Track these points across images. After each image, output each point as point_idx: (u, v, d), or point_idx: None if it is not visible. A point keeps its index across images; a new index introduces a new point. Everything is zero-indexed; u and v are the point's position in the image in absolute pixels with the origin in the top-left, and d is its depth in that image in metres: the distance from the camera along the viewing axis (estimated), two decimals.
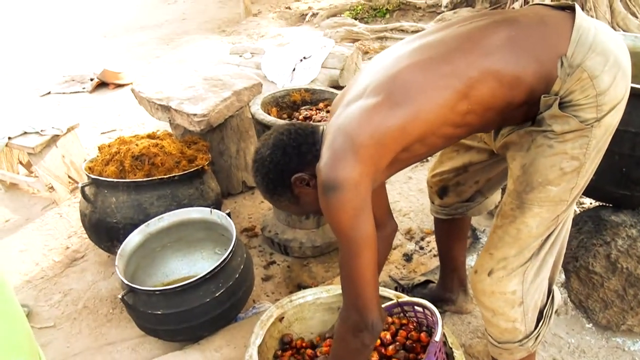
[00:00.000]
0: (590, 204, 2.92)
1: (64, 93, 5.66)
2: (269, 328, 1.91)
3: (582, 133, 1.37)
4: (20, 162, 3.82)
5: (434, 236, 2.53)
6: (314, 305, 2.06)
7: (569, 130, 1.37)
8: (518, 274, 1.57)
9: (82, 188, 2.58)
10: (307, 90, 3.00)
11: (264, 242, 3.04)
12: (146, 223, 2.41)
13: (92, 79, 5.80)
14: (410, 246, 2.91)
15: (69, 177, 3.61)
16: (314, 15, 7.79)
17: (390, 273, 2.68)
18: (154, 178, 2.53)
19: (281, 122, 2.54)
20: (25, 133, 3.42)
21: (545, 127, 1.40)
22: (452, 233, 2.16)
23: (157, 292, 2.08)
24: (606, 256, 2.09)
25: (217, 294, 2.11)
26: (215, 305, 2.13)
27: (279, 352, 1.96)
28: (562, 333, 2.25)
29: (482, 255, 1.65)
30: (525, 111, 1.43)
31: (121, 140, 2.77)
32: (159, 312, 2.07)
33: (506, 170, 1.63)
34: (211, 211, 2.44)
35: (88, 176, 2.58)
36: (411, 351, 1.84)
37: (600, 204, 2.27)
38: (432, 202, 2.09)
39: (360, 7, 7.81)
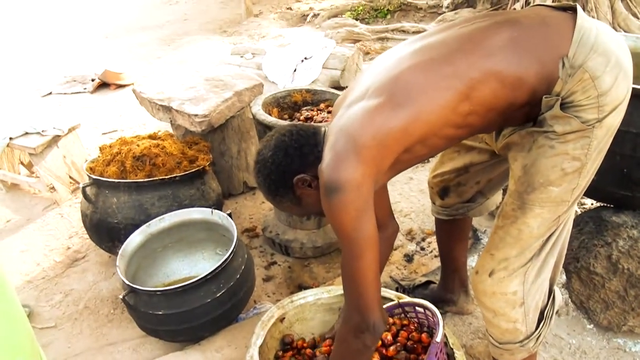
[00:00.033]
0: (592, 204, 2.92)
1: (65, 93, 5.67)
2: (270, 328, 1.91)
3: (584, 134, 1.37)
4: (22, 163, 3.82)
5: (435, 237, 2.52)
6: (315, 305, 2.06)
7: (570, 131, 1.37)
8: (519, 275, 1.57)
9: (83, 188, 2.58)
10: (308, 90, 3.00)
11: (265, 242, 3.04)
12: (147, 223, 2.41)
13: (93, 80, 5.81)
14: (411, 247, 2.91)
15: (70, 177, 3.61)
16: (315, 15, 7.79)
17: (391, 274, 2.68)
18: (155, 178, 2.53)
19: (282, 122, 2.54)
20: (27, 133, 3.42)
21: (546, 128, 1.40)
22: (453, 234, 2.16)
23: (158, 293, 2.08)
24: (607, 257, 2.08)
25: (218, 295, 2.11)
26: (216, 305, 2.13)
27: (280, 353, 1.96)
28: (563, 334, 2.25)
29: (483, 255, 1.65)
30: (526, 112, 1.43)
31: (122, 141, 2.77)
32: (160, 313, 2.07)
33: (507, 171, 1.63)
34: (212, 212, 2.44)
35: (89, 176, 2.59)
36: (412, 352, 1.84)
37: (602, 204, 2.26)
38: (433, 203, 2.09)
39: (361, 7, 7.82)
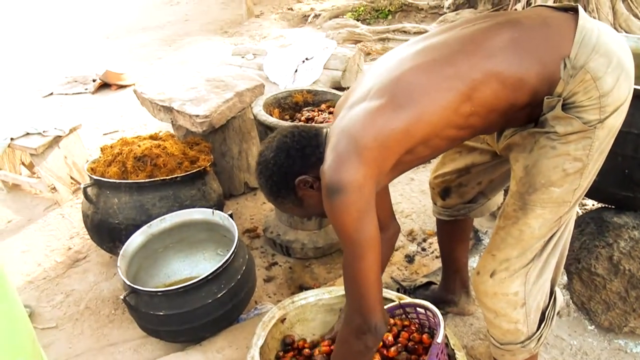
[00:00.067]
0: (593, 205, 2.92)
1: (66, 94, 5.67)
2: (271, 329, 1.91)
3: (585, 134, 1.37)
4: (23, 163, 3.82)
5: (436, 237, 2.52)
6: (316, 306, 2.06)
7: (572, 132, 1.37)
8: (520, 275, 1.57)
9: (85, 189, 2.59)
10: (309, 91, 3.00)
11: (266, 243, 3.04)
12: (148, 224, 2.41)
13: (94, 80, 5.81)
14: (413, 247, 2.91)
15: (71, 178, 3.61)
16: (316, 16, 7.80)
17: (392, 274, 2.68)
18: (156, 179, 2.53)
19: (283, 123, 2.54)
20: (28, 134, 3.42)
21: (548, 129, 1.40)
22: (454, 234, 2.16)
23: (159, 293, 2.08)
24: (608, 258, 2.08)
25: (219, 295, 2.11)
26: (217, 306, 2.13)
27: (281, 353, 1.96)
28: (564, 335, 2.25)
29: (484, 256, 1.65)
30: (528, 113, 1.43)
31: (123, 141, 2.78)
32: (161, 313, 2.07)
33: (509, 172, 1.63)
34: (213, 212, 2.44)
35: (90, 177, 2.59)
36: (413, 353, 1.84)
37: (603, 205, 2.26)
38: (435, 204, 2.09)
39: (362, 8, 7.82)
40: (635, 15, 6.02)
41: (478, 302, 1.74)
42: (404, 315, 1.98)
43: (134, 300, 2.11)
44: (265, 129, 2.59)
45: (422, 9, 7.69)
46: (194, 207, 2.56)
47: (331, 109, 2.87)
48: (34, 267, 2.99)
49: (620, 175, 1.95)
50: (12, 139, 3.39)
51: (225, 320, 2.22)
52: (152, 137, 2.86)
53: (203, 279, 2.07)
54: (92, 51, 7.23)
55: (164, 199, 2.56)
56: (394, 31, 6.94)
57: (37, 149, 3.31)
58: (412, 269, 2.74)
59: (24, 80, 6.17)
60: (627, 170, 1.93)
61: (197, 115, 2.89)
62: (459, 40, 1.40)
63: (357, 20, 7.46)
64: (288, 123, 2.59)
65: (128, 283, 2.08)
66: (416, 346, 1.85)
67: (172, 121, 3.13)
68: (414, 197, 3.40)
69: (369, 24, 7.49)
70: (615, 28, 5.77)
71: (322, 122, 2.67)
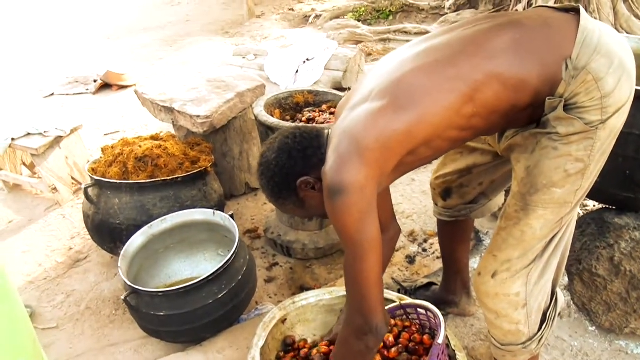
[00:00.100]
0: (594, 206, 2.92)
1: (67, 94, 5.68)
2: (272, 330, 1.91)
3: (587, 135, 1.37)
4: (24, 163, 3.83)
5: (437, 238, 2.52)
6: (316, 307, 2.06)
7: (573, 133, 1.37)
8: (522, 276, 1.57)
9: (85, 189, 2.59)
10: (310, 92, 3.01)
11: (267, 243, 3.04)
12: (149, 224, 2.41)
13: (95, 81, 5.81)
14: (413, 248, 2.91)
15: (72, 178, 3.61)
16: (317, 17, 7.80)
17: (393, 275, 2.68)
18: (157, 179, 2.53)
19: (284, 123, 2.54)
20: (29, 134, 3.43)
21: (549, 129, 1.40)
22: (455, 235, 2.16)
23: (159, 294, 2.08)
24: (609, 259, 2.08)
25: (219, 296, 2.11)
26: (218, 306, 2.13)
27: (282, 354, 1.96)
28: (565, 336, 2.24)
29: (485, 257, 1.65)
30: (529, 114, 1.42)
31: (124, 142, 2.78)
32: (162, 314, 2.07)
33: (510, 173, 1.63)
34: (214, 213, 2.44)
35: (91, 177, 2.59)
36: (414, 354, 1.84)
37: (604, 206, 2.26)
38: (436, 204, 2.09)
39: (363, 9, 7.82)
40: (637, 16, 6.01)
41: (479, 302, 1.74)
42: (404, 316, 1.98)
43: (134, 301, 2.11)
44: (266, 129, 2.59)
45: (423, 10, 7.69)
46: (194, 207, 2.56)
47: (332, 110, 2.87)
48: (35, 267, 2.99)
49: (622, 176, 1.95)
50: (13, 139, 3.39)
51: (226, 321, 2.22)
52: (153, 138, 2.86)
53: (204, 279, 2.07)
54: (93, 51, 7.24)
55: (165, 199, 2.56)
56: (395, 32, 6.94)
57: (38, 149, 3.32)
58: (413, 270, 2.74)
59: (25, 81, 6.18)
60: (629, 171, 1.92)
61: (198, 116, 2.89)
62: (461, 42, 1.40)
63: (358, 20, 7.46)
64: (289, 123, 2.59)
65: (129, 283, 2.08)
66: (417, 347, 1.85)
67: (173, 122, 3.13)
68: (415, 198, 3.39)
69: (370, 24, 7.49)
70: (616, 29, 5.77)
71: (323, 123, 2.67)
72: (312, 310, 2.06)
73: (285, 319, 2.00)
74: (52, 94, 5.71)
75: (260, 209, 3.38)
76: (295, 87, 3.75)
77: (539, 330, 1.70)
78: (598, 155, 1.41)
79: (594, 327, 2.27)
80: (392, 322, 1.95)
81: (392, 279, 2.61)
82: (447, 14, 7.39)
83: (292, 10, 8.55)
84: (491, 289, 1.62)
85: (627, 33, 5.72)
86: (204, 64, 6.22)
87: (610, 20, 5.91)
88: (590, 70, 1.31)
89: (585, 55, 1.32)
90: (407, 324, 1.95)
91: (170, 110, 3.05)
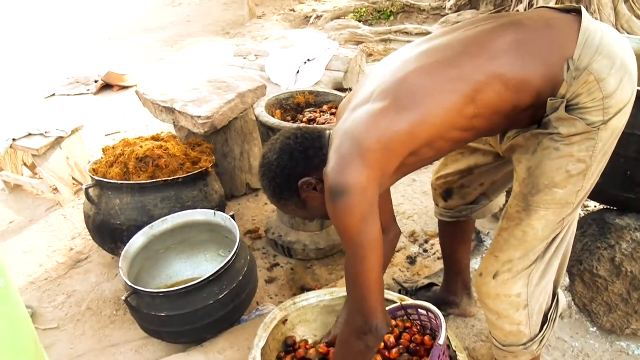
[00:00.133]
0: (595, 207, 2.91)
1: (68, 95, 5.68)
2: (273, 330, 1.91)
3: (589, 136, 1.37)
4: (25, 164, 3.83)
5: (438, 239, 2.52)
6: (317, 307, 2.06)
7: (575, 133, 1.37)
8: (523, 277, 1.57)
9: (86, 190, 2.59)
10: (311, 92, 3.01)
11: (268, 244, 3.04)
12: (150, 225, 2.41)
13: (96, 81, 5.82)
14: (414, 249, 2.91)
15: (73, 178, 3.62)
16: (318, 17, 7.80)
17: (394, 276, 2.67)
18: (158, 180, 2.53)
19: (285, 124, 2.54)
20: (30, 135, 3.43)
21: (551, 130, 1.40)
22: (456, 236, 2.15)
23: (160, 294, 2.08)
24: (610, 260, 2.08)
25: (220, 296, 2.11)
26: (218, 307, 2.12)
27: (282, 355, 1.96)
28: (566, 337, 2.24)
29: (487, 257, 1.64)
30: (531, 114, 1.42)
31: (125, 142, 2.78)
32: (163, 314, 2.07)
33: (511, 173, 1.62)
34: (215, 213, 2.44)
35: (92, 178, 2.59)
36: (415, 354, 1.84)
37: (605, 207, 2.26)
38: (437, 205, 2.09)
39: (364, 9, 7.82)
40: (637, 17, 6.02)
41: (480, 303, 1.74)
42: (405, 317, 1.98)
43: (135, 301, 2.11)
44: (267, 130, 2.59)
45: (424, 10, 7.68)
46: (195, 208, 2.56)
47: (333, 110, 2.87)
48: (36, 267, 2.99)
49: (623, 177, 1.95)
50: (14, 139, 3.40)
51: (226, 322, 2.22)
52: (154, 138, 2.87)
53: (205, 280, 2.07)
54: (95, 52, 7.24)
55: (166, 200, 2.57)
56: (396, 32, 6.94)
57: (39, 150, 3.32)
58: (414, 271, 2.74)
59: (26, 81, 6.18)
60: (630, 172, 1.92)
61: (199, 117, 2.89)
62: (463, 42, 1.40)
63: (359, 21, 7.46)
64: (290, 124, 2.59)
65: (130, 284, 2.08)
66: (418, 348, 1.85)
67: (174, 122, 3.13)
68: (415, 199, 3.39)
69: (371, 25, 7.49)
70: (617, 29, 5.76)
71: (324, 124, 2.67)
72: (313, 311, 2.06)
73: (286, 320, 2.00)
74: (54, 95, 5.72)
75: (261, 210, 3.38)
76: (296, 88, 3.75)
77: (540, 331, 1.70)
78: (600, 156, 1.41)
79: (595, 328, 2.27)
80: (393, 322, 1.95)
81: (393, 279, 2.61)
82: (448, 14, 7.38)
83: (293, 10, 8.55)
84: (492, 289, 1.62)
85: (628, 34, 5.73)
86: (205, 64, 6.23)
87: (611, 20, 5.91)
88: (592, 71, 1.31)
89: (587, 56, 1.32)
90: (408, 324, 1.95)
91: (171, 110, 3.05)
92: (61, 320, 2.59)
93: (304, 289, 2.64)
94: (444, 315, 1.77)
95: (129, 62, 6.60)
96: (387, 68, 1.46)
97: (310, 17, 7.93)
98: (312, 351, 1.91)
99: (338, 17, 7.65)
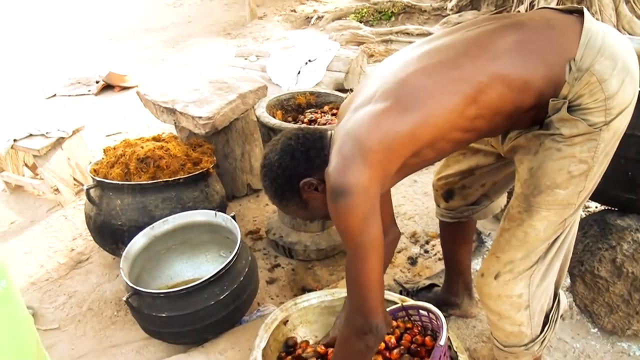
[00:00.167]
0: (596, 207, 2.91)
1: (69, 95, 5.68)
2: (274, 331, 1.91)
3: (591, 136, 1.37)
4: (26, 164, 3.83)
5: (439, 239, 2.52)
6: (318, 308, 2.06)
7: (577, 134, 1.37)
8: (524, 278, 1.57)
9: (87, 190, 2.59)
10: (312, 93, 3.00)
11: (269, 244, 3.04)
12: (151, 225, 2.41)
13: (97, 82, 5.82)
14: (415, 250, 2.91)
15: (74, 179, 3.62)
16: (319, 18, 7.80)
17: (395, 276, 2.67)
18: (159, 181, 2.53)
19: (286, 125, 2.54)
20: (31, 135, 3.43)
21: (553, 131, 1.40)
22: (457, 236, 2.15)
23: (161, 295, 2.07)
24: (611, 260, 2.08)
25: (221, 297, 2.11)
26: (219, 308, 2.12)
27: (283, 355, 1.96)
28: (567, 337, 2.24)
29: (488, 258, 1.64)
30: (533, 115, 1.42)
31: (126, 143, 2.78)
32: (164, 315, 2.07)
33: (512, 174, 1.62)
34: (216, 214, 2.44)
35: (93, 178, 2.59)
36: (416, 355, 1.84)
37: (606, 207, 2.26)
38: (438, 205, 2.09)
39: (365, 10, 7.82)
40: (639, 17, 6.01)
41: (482, 304, 1.74)
42: (406, 318, 1.98)
43: (136, 302, 2.11)
44: (268, 130, 2.59)
45: (425, 11, 7.68)
46: (196, 208, 2.56)
47: (334, 111, 2.86)
48: (37, 268, 2.99)
49: (624, 178, 1.95)
50: (15, 140, 3.40)
51: (227, 322, 2.22)
52: (155, 139, 2.87)
53: (205, 280, 2.07)
54: (96, 53, 7.24)
55: (167, 200, 2.57)
56: (396, 33, 6.94)
57: (40, 150, 3.32)
58: (414, 271, 2.74)
59: (27, 82, 6.18)
60: (631, 172, 1.92)
61: (200, 117, 2.89)
62: (464, 43, 1.40)
63: (360, 22, 7.46)
64: (291, 125, 2.59)
65: (130, 285, 2.08)
66: (419, 349, 1.84)
67: (175, 123, 3.14)
68: (416, 199, 3.39)
69: (371, 25, 7.48)
70: (618, 30, 5.75)
71: (325, 124, 2.67)
72: (314, 311, 2.06)
73: (287, 320, 2.00)
74: (54, 95, 5.72)
75: (262, 210, 3.38)
76: (297, 89, 3.75)
77: (541, 332, 1.70)
78: (602, 156, 1.41)
79: (596, 329, 2.27)
80: (394, 323, 1.95)
81: (394, 280, 2.61)
82: (449, 15, 7.38)
83: (294, 11, 8.54)
84: (494, 290, 1.62)
85: (630, 34, 5.72)
86: (206, 65, 6.23)
87: (612, 21, 5.91)
88: (594, 72, 1.31)
89: (589, 57, 1.32)
90: (409, 325, 1.95)
91: (172, 111, 3.05)
92: (62, 321, 2.59)
93: (305, 290, 2.64)
94: (444, 315, 1.77)
95: (130, 62, 6.60)
96: (388, 69, 1.46)
97: (311, 17, 7.93)
98: (309, 350, 1.91)
99: (339, 18, 7.64)
